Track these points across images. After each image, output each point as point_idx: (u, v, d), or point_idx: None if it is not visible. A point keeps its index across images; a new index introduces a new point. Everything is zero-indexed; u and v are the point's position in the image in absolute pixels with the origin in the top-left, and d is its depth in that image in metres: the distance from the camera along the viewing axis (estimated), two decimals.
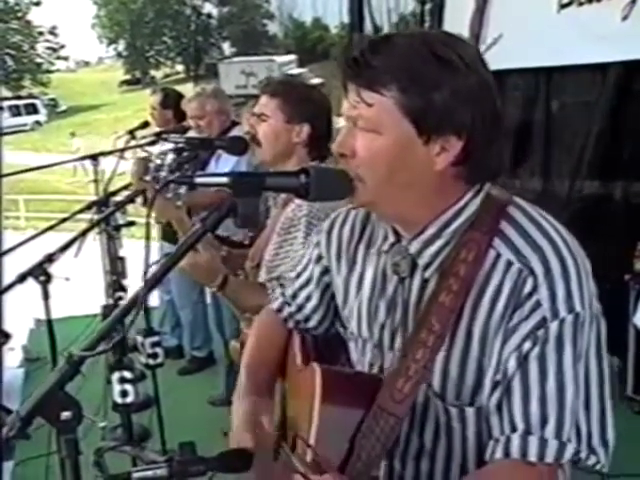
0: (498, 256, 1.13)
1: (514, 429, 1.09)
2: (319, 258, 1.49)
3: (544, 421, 1.07)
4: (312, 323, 1.54)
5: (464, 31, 4.65)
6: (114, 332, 1.11)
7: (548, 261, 1.09)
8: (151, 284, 1.08)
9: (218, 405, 4.29)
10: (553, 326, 1.08)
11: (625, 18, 3.68)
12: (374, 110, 1.12)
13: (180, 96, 4.98)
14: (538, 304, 1.08)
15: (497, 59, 3.70)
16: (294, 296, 1.55)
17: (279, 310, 1.58)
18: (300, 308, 1.54)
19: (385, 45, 1.12)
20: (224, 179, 1.10)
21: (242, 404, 1.38)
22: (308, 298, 1.52)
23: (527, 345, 1.09)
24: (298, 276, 1.56)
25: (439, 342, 1.14)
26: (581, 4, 3.99)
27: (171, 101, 4.83)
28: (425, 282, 1.21)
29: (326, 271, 1.47)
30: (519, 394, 1.09)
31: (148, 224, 1.12)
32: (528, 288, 1.09)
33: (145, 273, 1.09)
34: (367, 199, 1.20)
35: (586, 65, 4.03)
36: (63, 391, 0.99)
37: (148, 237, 1.11)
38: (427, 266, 1.20)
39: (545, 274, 1.09)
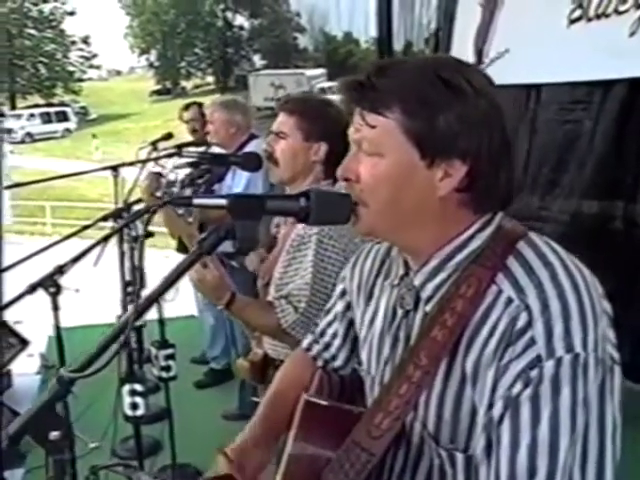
0: (499, 292, 1.05)
1: None
2: (343, 293, 1.45)
3: (532, 472, 0.95)
4: (338, 362, 1.49)
5: (469, 46, 4.63)
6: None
7: (547, 297, 1.00)
8: (144, 306, 1.06)
9: (232, 419, 4.27)
10: (548, 365, 0.97)
11: (632, 34, 3.62)
12: (376, 132, 1.09)
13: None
14: (532, 341, 0.98)
15: (504, 74, 3.71)
16: (322, 333, 1.51)
17: (308, 349, 1.54)
18: (327, 346, 1.50)
19: (391, 69, 1.10)
20: (222, 201, 1.08)
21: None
22: (334, 335, 1.48)
23: (518, 386, 0.98)
24: (327, 312, 1.51)
25: (426, 378, 1.09)
26: (590, 20, 3.93)
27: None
28: (426, 316, 1.15)
29: (349, 307, 1.43)
30: (507, 440, 0.97)
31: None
32: (521, 324, 1.00)
33: (137, 295, 1.07)
34: (370, 224, 1.15)
35: (588, 82, 3.97)
36: (53, 411, 0.98)
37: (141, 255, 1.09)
38: (429, 299, 1.15)
39: (542, 310, 0.99)
